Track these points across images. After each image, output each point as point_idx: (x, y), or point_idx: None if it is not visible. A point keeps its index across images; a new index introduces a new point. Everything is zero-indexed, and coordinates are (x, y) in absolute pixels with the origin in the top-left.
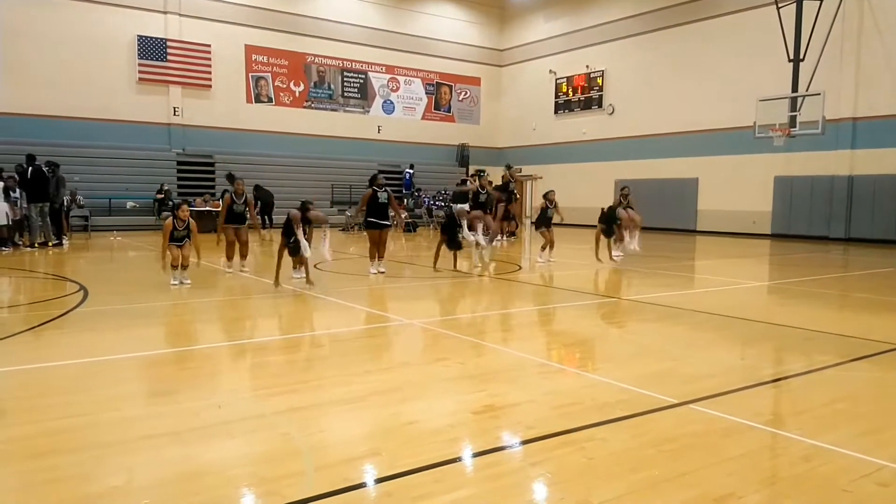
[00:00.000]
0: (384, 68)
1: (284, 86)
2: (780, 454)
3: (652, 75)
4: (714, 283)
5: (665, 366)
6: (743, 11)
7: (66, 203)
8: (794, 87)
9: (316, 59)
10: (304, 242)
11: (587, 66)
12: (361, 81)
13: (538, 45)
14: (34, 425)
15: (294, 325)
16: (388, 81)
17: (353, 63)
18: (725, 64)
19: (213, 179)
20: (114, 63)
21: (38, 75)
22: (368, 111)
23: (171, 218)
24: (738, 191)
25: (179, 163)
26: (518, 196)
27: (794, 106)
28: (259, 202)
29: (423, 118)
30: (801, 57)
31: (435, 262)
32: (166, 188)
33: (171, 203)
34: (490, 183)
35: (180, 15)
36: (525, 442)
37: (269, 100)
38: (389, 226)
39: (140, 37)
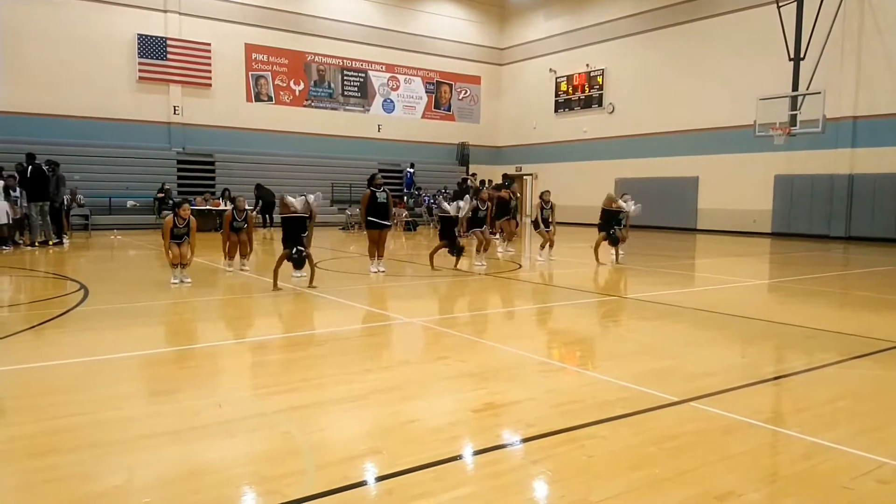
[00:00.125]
0: (384, 67)
1: (284, 84)
2: (781, 452)
3: (652, 74)
4: (714, 282)
5: (665, 364)
6: (743, 10)
7: (66, 202)
8: (795, 86)
9: (316, 58)
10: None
11: (587, 65)
12: (361, 80)
13: (538, 43)
14: (34, 424)
15: (294, 323)
16: (388, 80)
17: (353, 62)
18: (726, 63)
19: (213, 178)
20: (114, 62)
21: (38, 74)
22: (368, 110)
23: (171, 216)
24: (738, 189)
25: (179, 161)
26: (518, 199)
27: (794, 105)
28: (260, 201)
29: (423, 117)
30: (802, 56)
31: (431, 262)
32: (167, 187)
33: (171, 202)
34: (490, 185)
35: (180, 14)
36: (525, 440)
37: (269, 98)
38: (389, 225)
39: (140, 35)
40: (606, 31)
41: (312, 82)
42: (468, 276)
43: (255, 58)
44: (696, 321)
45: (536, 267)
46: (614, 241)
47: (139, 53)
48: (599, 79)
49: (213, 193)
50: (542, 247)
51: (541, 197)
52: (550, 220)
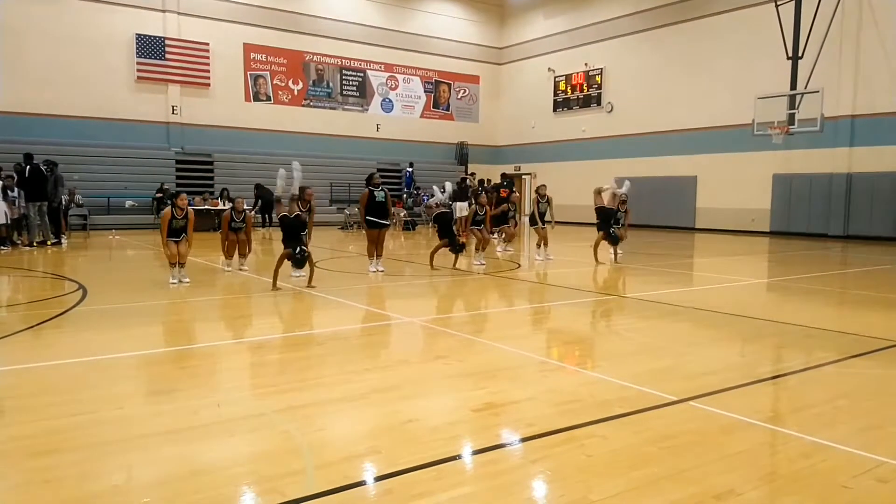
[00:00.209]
0: (383, 66)
1: (283, 84)
2: (780, 451)
3: (651, 73)
4: (713, 281)
5: (665, 363)
6: (742, 9)
7: (64, 202)
8: (793, 85)
9: (314, 58)
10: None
11: (586, 64)
12: (360, 80)
13: (537, 42)
14: (34, 424)
15: (293, 323)
16: (387, 80)
17: (352, 61)
18: (724, 62)
19: (211, 178)
20: (112, 62)
21: (36, 74)
22: (367, 109)
23: (169, 208)
24: (736, 188)
25: (178, 161)
26: (517, 203)
27: (792, 103)
28: (260, 200)
29: (421, 116)
30: (800, 54)
31: (431, 262)
32: (166, 187)
33: (168, 196)
34: (489, 184)
35: (179, 13)
36: (525, 439)
37: (268, 98)
38: (388, 225)
39: (139, 35)
40: (605, 30)
41: (311, 82)
42: (467, 275)
43: (254, 57)
44: (695, 320)
45: (535, 266)
46: (614, 240)
47: (138, 53)
48: (598, 78)
49: (211, 193)
50: (539, 245)
51: (536, 191)
52: (548, 214)
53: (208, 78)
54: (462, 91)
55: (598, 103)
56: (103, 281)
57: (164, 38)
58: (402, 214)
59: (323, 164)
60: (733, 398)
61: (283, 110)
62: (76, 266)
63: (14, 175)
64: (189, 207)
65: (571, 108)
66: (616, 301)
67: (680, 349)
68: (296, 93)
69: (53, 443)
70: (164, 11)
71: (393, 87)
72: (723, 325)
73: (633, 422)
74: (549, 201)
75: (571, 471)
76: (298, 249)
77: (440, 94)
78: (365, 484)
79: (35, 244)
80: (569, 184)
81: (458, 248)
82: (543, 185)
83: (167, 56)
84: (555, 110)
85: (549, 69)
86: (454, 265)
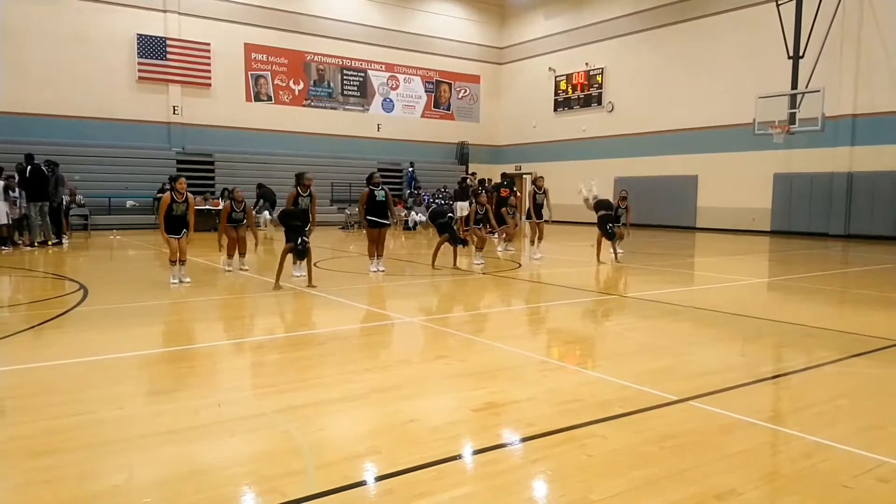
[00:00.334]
0: (383, 66)
1: (284, 84)
2: (781, 450)
3: (651, 72)
4: (714, 280)
5: (665, 363)
6: (742, 8)
7: (64, 202)
8: (794, 84)
9: (315, 58)
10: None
11: (587, 64)
12: (361, 79)
13: (538, 42)
14: (34, 424)
15: (294, 323)
16: (388, 79)
17: (353, 61)
18: (725, 61)
19: (212, 178)
20: (113, 62)
21: (37, 74)
22: (368, 109)
23: (168, 192)
24: (737, 188)
25: (179, 161)
26: (517, 202)
27: (793, 103)
28: (262, 200)
29: (422, 116)
30: (801, 54)
31: (433, 261)
32: (166, 187)
33: (167, 183)
34: (489, 183)
35: (180, 13)
36: (525, 439)
37: (269, 98)
38: (388, 224)
39: (140, 35)
40: (606, 29)
41: (312, 82)
42: (468, 275)
43: (255, 57)
44: (696, 320)
45: (535, 266)
46: (610, 236)
47: (139, 53)
48: (599, 77)
49: (212, 193)
50: (533, 242)
51: (534, 182)
52: (544, 207)
53: (209, 78)
54: (463, 91)
55: (599, 103)
56: (104, 281)
57: (165, 39)
58: (402, 214)
59: (324, 164)
60: (734, 398)
61: (284, 110)
62: (77, 266)
63: (15, 175)
64: (188, 192)
65: (572, 108)
66: (616, 300)
67: (680, 349)
68: (297, 93)
69: (54, 443)
70: (164, 11)
71: (394, 86)
72: (723, 324)
73: (633, 421)
74: (545, 193)
75: (572, 471)
76: (300, 241)
77: (441, 93)
78: (365, 484)
79: (36, 244)
80: (569, 183)
81: (458, 241)
82: (541, 177)
83: (168, 56)
84: (555, 110)
85: (549, 69)
86: (454, 264)
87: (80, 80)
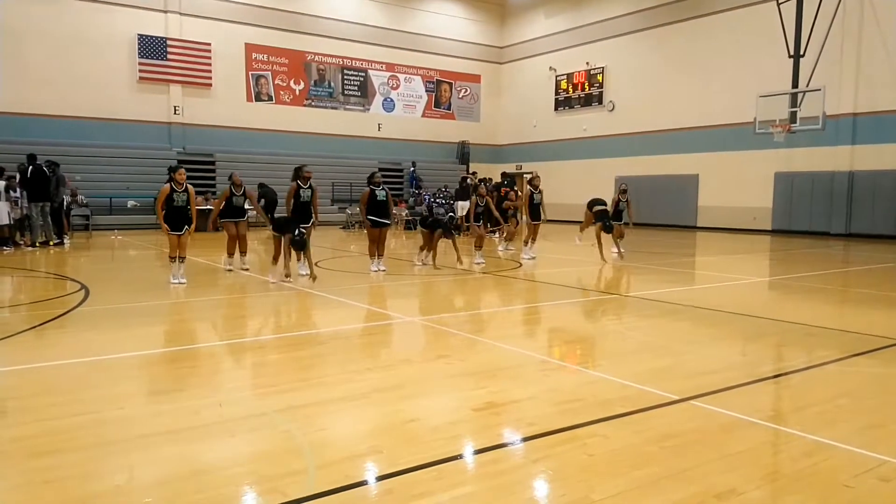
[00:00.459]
0: (384, 66)
1: (284, 84)
2: (782, 450)
3: (652, 72)
4: (715, 280)
5: (666, 362)
6: (743, 7)
7: (66, 202)
8: (795, 83)
9: (316, 58)
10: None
11: (587, 63)
12: (361, 79)
13: (538, 41)
14: (36, 424)
15: (295, 322)
16: (389, 79)
17: (353, 61)
18: (726, 60)
19: (213, 178)
20: (114, 62)
21: (38, 75)
22: (368, 109)
23: (168, 184)
24: (738, 187)
25: (180, 161)
26: (517, 202)
27: (794, 102)
28: (262, 199)
29: (423, 116)
30: (802, 53)
31: (434, 261)
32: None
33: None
34: (489, 184)
35: (181, 14)
36: (526, 439)
37: (270, 98)
38: (389, 224)
39: (140, 36)
40: (606, 28)
41: (312, 82)
42: (468, 274)
43: (256, 57)
44: (697, 319)
45: (536, 265)
46: (608, 229)
47: (139, 53)
48: (599, 77)
49: (213, 193)
50: (526, 242)
51: (530, 182)
52: (541, 207)
53: (210, 78)
54: (463, 90)
55: (600, 102)
56: (106, 281)
57: (166, 39)
58: (404, 214)
59: (324, 163)
60: (735, 397)
61: (285, 110)
62: (78, 266)
63: (17, 175)
64: (188, 183)
65: (573, 107)
66: (617, 300)
67: (681, 348)
68: (297, 93)
69: (55, 443)
70: (165, 12)
71: (394, 86)
72: (724, 323)
73: (634, 421)
74: (541, 192)
75: (573, 470)
76: (297, 231)
77: (441, 93)
78: (366, 484)
79: (37, 244)
80: (570, 183)
81: (451, 230)
82: (537, 177)
83: (169, 56)
84: (556, 109)
85: (550, 68)
86: (458, 258)
87: (81, 80)
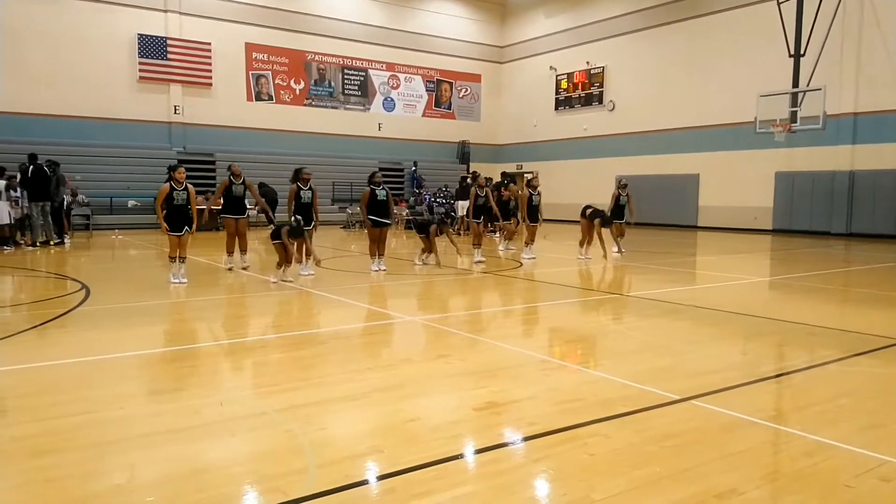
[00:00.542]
0: (384, 66)
1: (285, 84)
2: (782, 450)
3: (653, 71)
4: (715, 279)
5: (667, 362)
6: (744, 7)
7: (66, 202)
8: (795, 83)
9: (316, 57)
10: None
11: (588, 63)
12: (362, 79)
13: (539, 41)
14: (37, 424)
15: (295, 322)
16: (389, 79)
17: (354, 60)
18: (726, 59)
19: (213, 178)
20: (114, 62)
21: (38, 74)
22: (369, 109)
23: (167, 183)
24: (739, 186)
25: (180, 161)
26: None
27: (794, 101)
28: (263, 199)
29: (423, 115)
30: (802, 52)
31: (437, 260)
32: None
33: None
34: (490, 184)
35: (181, 13)
36: (527, 438)
37: (270, 98)
38: (390, 224)
39: (140, 35)
40: (607, 28)
41: (313, 81)
42: (469, 274)
43: (256, 57)
44: (698, 319)
45: (536, 265)
46: (606, 223)
47: (139, 53)
48: (600, 76)
49: (213, 193)
50: (527, 243)
51: (528, 184)
52: (539, 209)
53: (210, 78)
54: (464, 90)
55: (600, 101)
56: (106, 281)
57: (166, 38)
58: (404, 213)
59: (325, 163)
60: (735, 397)
61: (285, 110)
62: (79, 266)
63: (17, 175)
64: (188, 182)
65: (573, 107)
66: (617, 299)
67: (681, 348)
68: (297, 92)
69: (56, 442)
70: (165, 11)
71: (394, 86)
72: (724, 323)
73: (634, 421)
74: (539, 194)
75: (573, 470)
76: (294, 218)
77: (442, 92)
78: (367, 483)
79: (38, 244)
80: (571, 182)
81: (443, 224)
82: (536, 177)
83: (169, 56)
84: (556, 109)
85: (550, 67)
86: (457, 251)
87: (81, 80)
